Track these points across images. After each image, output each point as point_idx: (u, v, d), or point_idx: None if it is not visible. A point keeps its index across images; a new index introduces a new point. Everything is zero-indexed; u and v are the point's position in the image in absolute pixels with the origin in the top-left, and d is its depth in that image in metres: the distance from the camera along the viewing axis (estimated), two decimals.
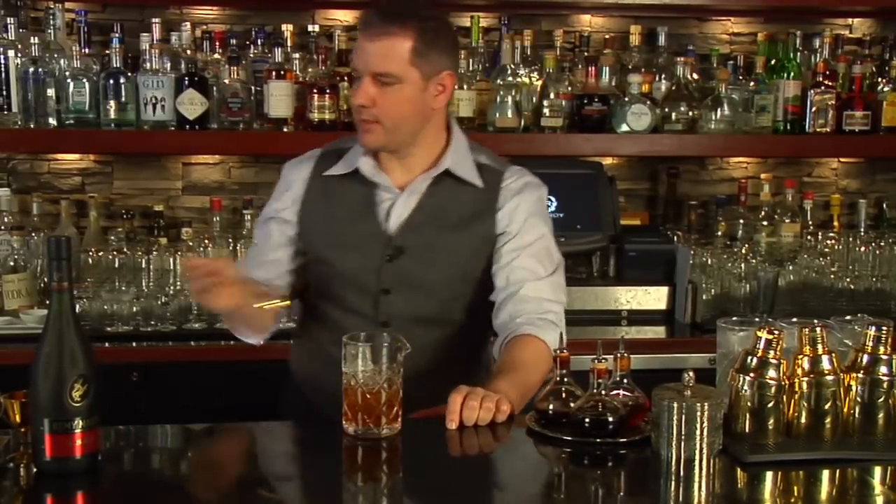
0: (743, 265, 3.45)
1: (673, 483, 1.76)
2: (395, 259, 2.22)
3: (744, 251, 3.50)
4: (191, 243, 3.47)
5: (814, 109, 3.61)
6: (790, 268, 3.49)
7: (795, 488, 1.79)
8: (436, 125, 2.24)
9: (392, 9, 2.11)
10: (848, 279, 3.51)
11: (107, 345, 3.12)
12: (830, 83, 3.64)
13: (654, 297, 3.47)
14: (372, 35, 2.09)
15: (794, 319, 1.99)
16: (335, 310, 2.28)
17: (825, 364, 1.86)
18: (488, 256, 2.28)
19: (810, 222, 3.77)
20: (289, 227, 2.30)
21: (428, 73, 2.13)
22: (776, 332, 1.85)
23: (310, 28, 3.60)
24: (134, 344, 3.16)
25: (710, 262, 3.46)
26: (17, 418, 1.78)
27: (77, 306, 3.04)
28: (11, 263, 3.24)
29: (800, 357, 1.87)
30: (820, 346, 1.86)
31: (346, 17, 3.70)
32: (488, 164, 2.30)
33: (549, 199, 3.46)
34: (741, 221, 3.72)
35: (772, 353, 1.84)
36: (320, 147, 2.36)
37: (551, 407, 1.97)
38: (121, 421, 1.97)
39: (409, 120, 2.16)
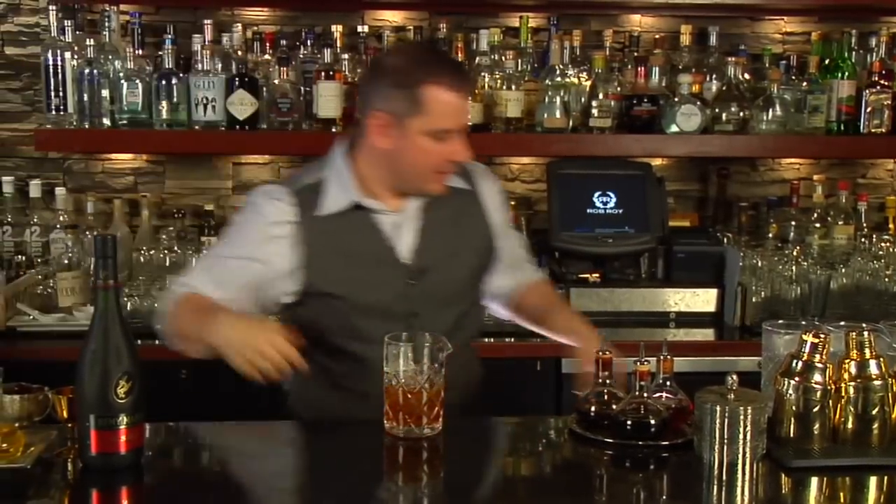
0: (794, 267, 3.39)
1: (715, 487, 1.75)
2: (418, 281, 2.21)
3: (795, 253, 3.45)
4: None
5: (869, 109, 3.54)
6: (843, 270, 3.43)
7: (841, 495, 1.77)
8: None
9: (460, 64, 2.16)
10: None
11: (157, 342, 3.15)
12: (886, 83, 3.57)
13: (702, 300, 3.43)
14: (465, 93, 2.12)
15: (842, 323, 1.96)
16: (354, 343, 2.20)
17: (873, 369, 1.83)
18: (490, 252, 2.35)
19: (864, 224, 3.70)
20: (269, 271, 2.17)
21: None
22: (822, 335, 1.82)
23: (359, 29, 3.62)
24: None
25: (760, 264, 3.41)
26: (65, 414, 1.82)
27: (128, 304, 3.15)
28: (66, 261, 3.29)
29: (847, 361, 1.84)
30: (867, 351, 1.84)
31: (394, 17, 3.71)
32: None
33: (608, 195, 3.49)
34: (793, 223, 3.66)
35: (817, 356, 1.82)
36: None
37: (593, 409, 1.96)
38: (170, 419, 2.01)
39: None
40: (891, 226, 3.78)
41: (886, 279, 3.44)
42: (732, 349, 3.20)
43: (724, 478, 1.75)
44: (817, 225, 3.65)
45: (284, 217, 2.17)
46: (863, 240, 3.61)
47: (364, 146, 2.19)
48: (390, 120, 2.10)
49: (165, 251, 3.40)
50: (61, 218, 3.49)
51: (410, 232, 2.23)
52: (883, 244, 3.57)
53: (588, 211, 3.46)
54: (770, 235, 3.61)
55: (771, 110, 3.50)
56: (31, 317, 3.16)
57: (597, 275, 3.44)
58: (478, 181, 2.35)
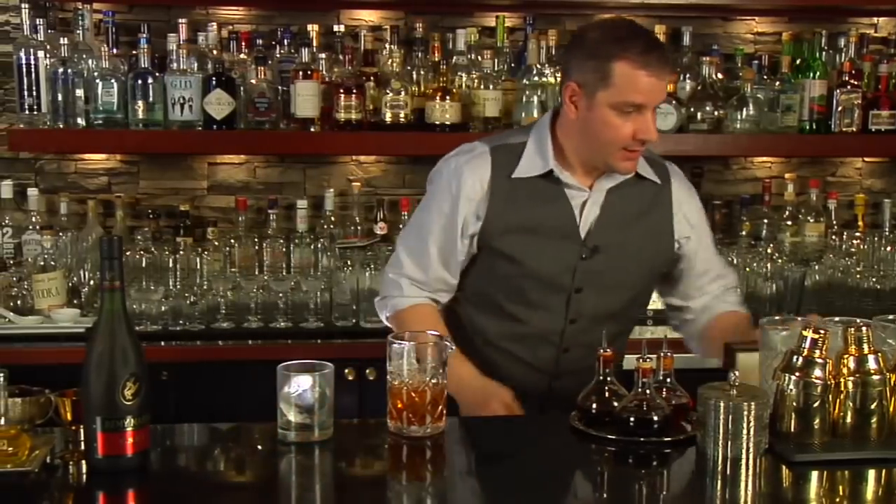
0: (768, 265, 3.44)
1: (719, 482, 1.77)
2: (589, 258, 2.28)
3: (769, 251, 3.50)
4: (216, 243, 3.48)
5: (839, 109, 3.61)
6: (815, 267, 3.49)
7: (841, 488, 1.79)
8: None
9: (659, 43, 2.17)
10: (873, 279, 3.51)
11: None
12: (856, 82, 3.64)
13: None
14: (659, 72, 2.11)
15: (837, 319, 1.99)
16: (518, 306, 2.31)
17: (871, 363, 1.86)
18: (667, 251, 2.39)
19: (834, 222, 3.76)
20: (468, 228, 2.29)
21: None
22: (822, 331, 1.84)
23: (335, 28, 3.60)
24: (163, 343, 3.17)
25: (735, 261, 3.46)
26: (69, 416, 1.79)
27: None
28: (41, 263, 3.25)
29: (845, 356, 1.87)
30: (866, 346, 1.86)
31: (371, 17, 3.70)
32: (650, 157, 2.37)
33: None
34: (765, 221, 3.72)
35: (817, 352, 1.84)
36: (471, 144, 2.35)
37: (594, 406, 1.97)
38: (151, 420, 1.98)
39: None
40: (860, 223, 3.84)
41: (858, 276, 3.51)
42: None
43: (728, 473, 1.77)
44: (789, 223, 3.70)
45: (477, 177, 2.26)
46: (833, 237, 3.67)
47: (562, 117, 2.25)
48: (581, 91, 2.16)
49: (141, 252, 3.37)
50: (34, 219, 3.45)
51: (595, 209, 2.28)
52: (853, 241, 3.64)
53: None
54: (743, 233, 3.66)
55: (745, 109, 3.55)
56: (7, 319, 3.12)
57: None
58: (672, 179, 2.39)
